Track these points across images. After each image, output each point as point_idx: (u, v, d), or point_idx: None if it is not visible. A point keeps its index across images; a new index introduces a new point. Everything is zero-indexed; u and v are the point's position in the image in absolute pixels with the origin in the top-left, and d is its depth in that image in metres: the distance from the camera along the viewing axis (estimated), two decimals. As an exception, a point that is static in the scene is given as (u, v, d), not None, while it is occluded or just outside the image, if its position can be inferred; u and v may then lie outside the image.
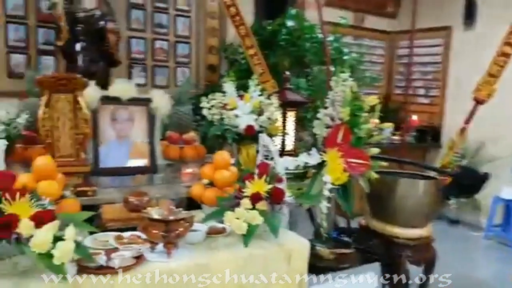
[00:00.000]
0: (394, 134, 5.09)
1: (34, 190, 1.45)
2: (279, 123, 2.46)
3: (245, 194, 1.71)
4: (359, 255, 2.17)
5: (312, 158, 2.02)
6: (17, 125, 1.95)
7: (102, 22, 3.28)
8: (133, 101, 2.23)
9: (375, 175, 2.02)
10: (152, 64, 4.22)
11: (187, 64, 4.41)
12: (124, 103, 2.21)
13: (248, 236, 1.59)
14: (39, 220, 1.30)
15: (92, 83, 2.12)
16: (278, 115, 2.38)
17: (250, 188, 1.73)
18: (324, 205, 1.93)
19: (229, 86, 2.38)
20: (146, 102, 2.26)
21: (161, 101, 2.29)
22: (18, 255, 1.30)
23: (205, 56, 4.50)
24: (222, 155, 2.02)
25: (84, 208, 1.81)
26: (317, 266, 1.94)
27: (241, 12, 2.82)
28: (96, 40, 3.28)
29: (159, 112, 2.29)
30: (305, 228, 2.33)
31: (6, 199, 1.30)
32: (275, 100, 2.40)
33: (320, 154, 1.99)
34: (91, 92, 2.09)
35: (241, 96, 2.38)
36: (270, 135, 2.39)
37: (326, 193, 1.92)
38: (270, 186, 1.72)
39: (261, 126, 2.32)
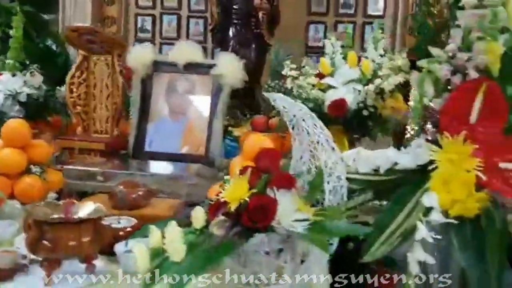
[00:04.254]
0: None
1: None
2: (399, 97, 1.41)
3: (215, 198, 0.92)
4: None
5: (411, 155, 0.97)
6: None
7: (254, -1, 2.88)
8: (192, 67, 1.69)
9: None
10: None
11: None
12: (181, 69, 1.70)
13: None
14: None
15: (146, 44, 1.71)
16: (396, 81, 1.36)
17: (227, 191, 0.91)
18: (415, 261, 0.86)
19: (329, 42, 1.54)
20: (208, 68, 1.68)
21: (230, 67, 1.66)
22: None
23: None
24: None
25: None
26: None
27: None
28: (248, 21, 2.92)
29: (227, 82, 1.67)
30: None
31: None
32: (402, 59, 1.39)
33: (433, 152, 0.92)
34: (141, 55, 1.68)
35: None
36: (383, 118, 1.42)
37: (423, 233, 0.85)
38: (254, 191, 0.85)
39: (364, 103, 1.37)
